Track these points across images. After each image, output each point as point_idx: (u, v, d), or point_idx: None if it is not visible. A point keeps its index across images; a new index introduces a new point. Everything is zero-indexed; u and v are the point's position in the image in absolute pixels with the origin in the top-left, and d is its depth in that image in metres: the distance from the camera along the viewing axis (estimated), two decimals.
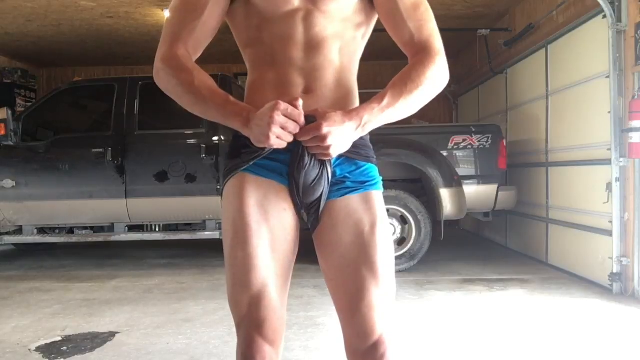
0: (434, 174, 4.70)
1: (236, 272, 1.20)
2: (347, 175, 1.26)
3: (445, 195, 4.68)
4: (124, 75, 6.19)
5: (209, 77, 1.21)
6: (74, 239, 5.18)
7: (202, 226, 5.11)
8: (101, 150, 4.86)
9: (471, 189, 4.80)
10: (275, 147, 1.12)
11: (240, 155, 1.24)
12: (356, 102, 1.30)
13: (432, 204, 4.84)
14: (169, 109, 5.48)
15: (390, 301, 1.23)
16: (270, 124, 1.08)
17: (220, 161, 4.85)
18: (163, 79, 1.22)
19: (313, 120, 1.13)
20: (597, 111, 4.04)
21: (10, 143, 4.77)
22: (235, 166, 1.25)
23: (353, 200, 1.24)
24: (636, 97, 3.62)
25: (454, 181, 4.72)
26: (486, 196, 4.83)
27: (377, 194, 1.27)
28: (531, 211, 5.31)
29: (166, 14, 5.83)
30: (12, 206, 4.95)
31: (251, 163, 1.23)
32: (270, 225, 1.21)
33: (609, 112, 3.82)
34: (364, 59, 1.33)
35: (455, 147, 4.82)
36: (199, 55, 1.27)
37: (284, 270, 1.23)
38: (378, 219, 1.24)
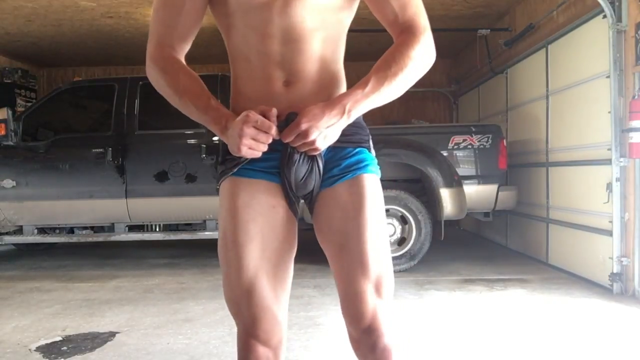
0: (434, 174, 4.70)
1: (227, 272, 1.20)
2: (337, 164, 1.23)
3: (446, 195, 4.68)
4: (124, 75, 6.19)
5: (196, 79, 1.20)
6: (74, 239, 5.18)
7: (202, 226, 5.12)
8: (101, 150, 4.86)
9: (471, 189, 4.80)
10: (248, 157, 1.12)
11: (225, 161, 1.25)
12: (342, 89, 1.26)
13: (432, 204, 4.84)
14: (169, 109, 5.51)
15: (384, 287, 1.18)
16: (241, 136, 1.08)
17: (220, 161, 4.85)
18: (152, 77, 1.25)
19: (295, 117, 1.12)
20: (597, 111, 4.04)
21: (11, 143, 4.77)
22: (223, 172, 1.25)
23: (340, 186, 1.22)
24: (636, 97, 3.62)
25: (454, 181, 4.71)
26: (486, 196, 4.83)
27: (368, 177, 1.23)
28: (531, 211, 5.30)
29: None
30: (12, 206, 4.96)
31: (235, 170, 1.22)
32: (258, 225, 1.19)
33: (609, 112, 3.82)
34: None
35: (456, 147, 4.82)
36: (189, 44, 1.27)
37: (277, 269, 1.21)
38: (366, 201, 1.20)
